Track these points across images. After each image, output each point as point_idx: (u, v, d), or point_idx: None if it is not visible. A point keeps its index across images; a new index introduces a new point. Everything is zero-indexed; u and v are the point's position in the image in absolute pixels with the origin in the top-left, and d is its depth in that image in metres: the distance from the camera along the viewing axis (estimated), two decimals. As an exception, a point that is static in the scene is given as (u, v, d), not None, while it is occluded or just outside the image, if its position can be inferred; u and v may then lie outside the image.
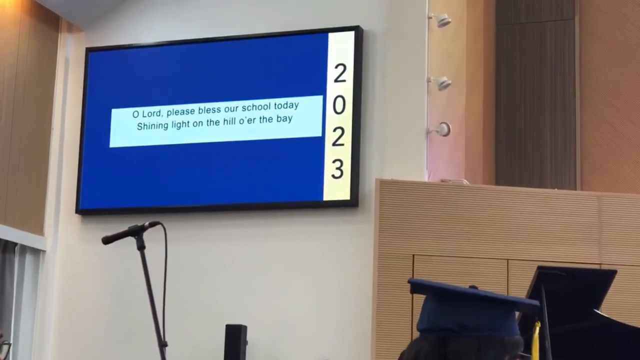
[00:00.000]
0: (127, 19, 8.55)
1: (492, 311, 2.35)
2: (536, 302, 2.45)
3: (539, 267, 4.99)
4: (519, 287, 6.62)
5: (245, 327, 7.50)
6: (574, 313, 5.23)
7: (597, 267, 7.16)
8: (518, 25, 10.08)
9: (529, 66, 9.95)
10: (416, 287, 2.50)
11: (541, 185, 9.19)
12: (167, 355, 3.83)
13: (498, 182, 9.56)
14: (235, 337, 7.42)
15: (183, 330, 7.69)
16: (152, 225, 4.13)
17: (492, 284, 7.06)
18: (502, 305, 2.37)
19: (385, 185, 7.35)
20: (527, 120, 9.86)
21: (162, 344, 3.87)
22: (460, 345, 2.32)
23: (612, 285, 5.29)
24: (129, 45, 8.46)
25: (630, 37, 9.96)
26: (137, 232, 4.11)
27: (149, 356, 6.59)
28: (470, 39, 9.11)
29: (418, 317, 2.54)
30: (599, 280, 5.29)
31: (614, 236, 7.41)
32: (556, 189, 7.93)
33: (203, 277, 7.91)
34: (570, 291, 5.13)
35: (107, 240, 4.34)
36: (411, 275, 7.03)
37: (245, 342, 7.48)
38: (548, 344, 4.84)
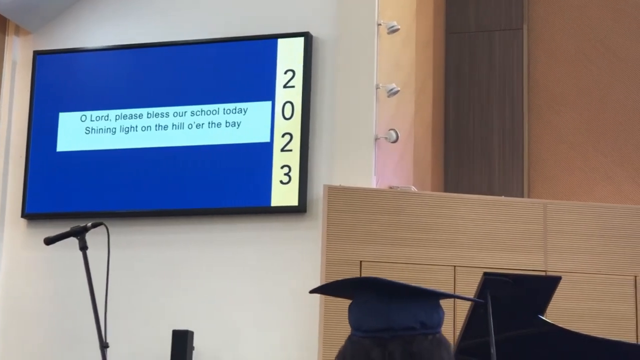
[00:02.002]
0: (75, 23, 8.49)
1: (440, 309, 2.30)
2: (481, 300, 2.39)
3: (485, 274, 5.01)
4: (466, 294, 6.63)
5: (192, 333, 7.46)
6: (518, 319, 5.25)
7: (542, 273, 7.22)
8: (467, 33, 10.13)
9: (478, 74, 10.01)
10: (378, 284, 2.29)
11: (489, 192, 9.24)
12: (109, 359, 3.80)
13: (446, 189, 9.60)
14: (181, 342, 7.38)
15: (129, 335, 7.64)
16: (94, 225, 4.11)
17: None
18: (436, 301, 2.32)
19: (333, 192, 7.35)
20: (475, 127, 9.91)
21: (103, 345, 3.85)
22: (421, 344, 2.24)
23: (556, 291, 5.32)
24: (77, 48, 8.39)
25: (577, 47, 10.05)
26: (79, 233, 4.09)
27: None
28: (420, 47, 9.15)
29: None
30: (543, 287, 5.32)
31: (559, 243, 7.48)
32: (503, 196, 7.99)
33: (151, 282, 7.87)
34: (516, 297, 5.16)
35: (49, 241, 4.31)
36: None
37: (192, 348, 7.45)
38: (493, 350, 4.87)
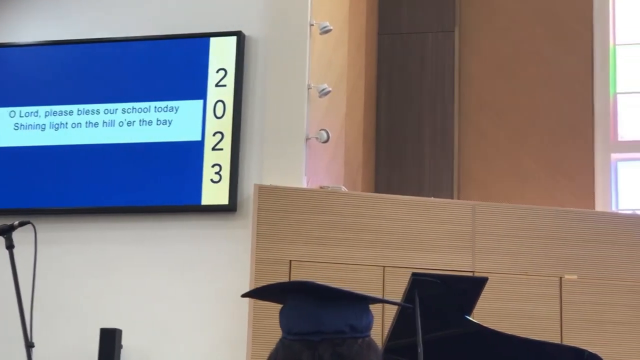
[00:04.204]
0: (4, 18, 8.39)
1: (370, 313, 2.32)
2: (411, 305, 2.41)
3: (413, 274, 5.05)
4: (394, 294, 6.70)
5: (120, 331, 7.42)
6: (446, 319, 5.31)
7: (470, 274, 7.29)
8: (400, 35, 10.20)
9: (410, 76, 10.07)
10: (309, 288, 2.29)
11: (419, 193, 9.31)
12: (35, 358, 3.77)
13: (377, 189, 9.65)
14: (109, 341, 7.34)
15: (55, 333, 7.57)
16: (21, 224, 4.08)
17: (368, 290, 7.12)
18: (365, 305, 2.34)
19: (263, 191, 7.36)
20: (407, 129, 9.98)
21: (29, 345, 3.82)
22: (350, 348, 2.26)
23: (483, 292, 5.38)
24: (6, 43, 8.30)
25: (507, 51, 10.17)
26: (6, 232, 4.05)
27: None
28: (352, 47, 9.19)
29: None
30: (470, 288, 5.38)
31: (487, 244, 7.57)
32: (432, 198, 8.05)
33: (79, 280, 7.81)
34: (443, 298, 5.21)
35: (-26, 240, 4.27)
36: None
37: (120, 346, 7.40)
38: (421, 349, 4.91)
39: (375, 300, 2.33)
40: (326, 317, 2.24)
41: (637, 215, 8.39)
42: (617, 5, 10.21)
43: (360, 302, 2.29)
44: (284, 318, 2.30)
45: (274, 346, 2.30)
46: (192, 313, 7.58)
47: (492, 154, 10.01)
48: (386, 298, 2.51)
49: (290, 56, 7.79)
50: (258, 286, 2.46)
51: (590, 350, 5.49)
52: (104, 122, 7.96)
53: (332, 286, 2.26)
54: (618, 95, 10.04)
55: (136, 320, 7.59)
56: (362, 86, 9.59)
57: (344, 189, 7.88)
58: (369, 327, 2.28)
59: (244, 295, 2.44)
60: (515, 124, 10.02)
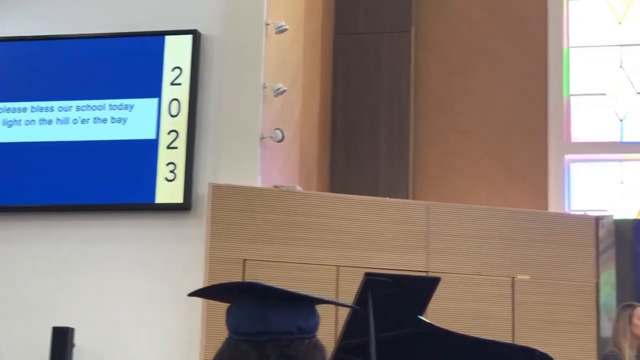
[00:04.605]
0: (-42, 13, 8.32)
1: (316, 314, 2.34)
2: (358, 307, 2.42)
3: (366, 274, 5.06)
4: (349, 293, 6.71)
5: (72, 330, 7.37)
6: (399, 319, 5.32)
7: (424, 274, 7.33)
8: (356, 35, 10.21)
9: (366, 76, 10.09)
10: (256, 288, 2.29)
11: (375, 193, 9.34)
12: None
13: (332, 189, 9.66)
14: (62, 339, 7.29)
15: (7, 332, 7.52)
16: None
17: (322, 289, 7.15)
18: (313, 306, 2.36)
19: (218, 190, 7.35)
20: (363, 129, 10.00)
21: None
22: (297, 348, 2.27)
23: (436, 292, 5.40)
24: (-42, 40, 8.23)
25: (463, 52, 10.23)
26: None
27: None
28: (308, 47, 9.19)
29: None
30: (423, 288, 5.39)
31: (441, 244, 7.61)
32: (387, 198, 8.07)
33: (31, 278, 7.75)
34: (396, 298, 5.22)
35: None
36: (241, 280, 7.04)
37: (73, 345, 7.36)
38: (373, 349, 4.92)
39: (322, 301, 2.35)
40: (273, 317, 2.24)
41: (588, 216, 8.46)
42: (571, 8, 10.30)
43: (307, 303, 2.30)
44: (232, 318, 2.30)
45: (220, 346, 2.30)
46: (146, 312, 7.55)
47: (447, 154, 10.06)
48: (333, 299, 2.51)
49: (246, 55, 7.78)
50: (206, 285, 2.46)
51: (541, 350, 5.53)
52: (57, 119, 7.90)
53: (280, 287, 2.27)
54: (572, 97, 10.13)
55: (89, 319, 7.55)
56: (317, 86, 9.60)
57: (298, 188, 7.89)
58: (315, 327, 2.30)
59: (190, 295, 2.43)
60: (470, 124, 10.08)
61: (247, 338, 2.25)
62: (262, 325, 2.24)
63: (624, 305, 7.16)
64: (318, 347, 2.29)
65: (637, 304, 7.13)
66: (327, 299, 2.38)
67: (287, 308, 2.26)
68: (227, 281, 2.42)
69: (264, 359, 2.22)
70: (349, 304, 2.58)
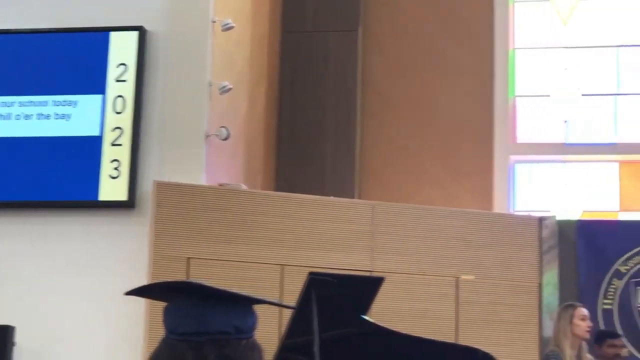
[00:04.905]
0: None
1: (254, 314, 2.34)
2: (294, 306, 2.42)
3: (310, 273, 5.06)
4: (293, 292, 6.69)
5: (13, 328, 7.29)
6: (343, 319, 5.33)
7: (368, 274, 7.34)
8: (303, 33, 10.20)
9: (313, 75, 10.08)
10: (194, 288, 2.29)
11: (321, 192, 9.34)
12: None
13: (278, 188, 9.64)
14: (2, 338, 7.21)
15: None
16: None
17: (266, 288, 7.14)
18: (250, 306, 2.36)
19: (162, 187, 7.31)
20: (309, 128, 9.99)
21: None
22: (235, 348, 2.27)
23: (381, 291, 5.41)
24: None
25: (410, 52, 10.26)
26: None
27: None
28: (255, 45, 9.17)
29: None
30: (367, 287, 5.40)
31: (385, 244, 7.62)
32: (332, 197, 8.07)
33: (-29, 276, 7.66)
34: (340, 297, 5.22)
35: None
36: (185, 279, 7.00)
37: (13, 344, 7.28)
38: (317, 348, 4.92)
39: (260, 301, 2.34)
40: (211, 317, 2.23)
41: (532, 217, 8.53)
42: (517, 10, 10.37)
43: (245, 303, 2.30)
44: (169, 317, 2.28)
45: (157, 345, 2.29)
46: (88, 310, 7.49)
47: (393, 153, 10.09)
48: (270, 299, 2.50)
49: (192, 53, 7.75)
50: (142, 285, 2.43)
51: (484, 349, 5.56)
52: (0, 115, 7.81)
53: (217, 287, 2.26)
54: (517, 98, 10.21)
55: (30, 317, 7.47)
56: (264, 84, 9.58)
57: (243, 186, 7.87)
58: (253, 327, 2.30)
59: (127, 294, 2.41)
60: (417, 124, 10.12)
61: (184, 338, 2.24)
62: (199, 325, 2.23)
63: (566, 305, 7.23)
64: (256, 348, 2.29)
65: (578, 304, 7.21)
66: (264, 299, 2.38)
67: (224, 308, 2.25)
68: (164, 280, 2.41)
69: (201, 359, 2.21)
70: (286, 304, 2.59)
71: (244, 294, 2.30)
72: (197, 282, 2.28)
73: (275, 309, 6.68)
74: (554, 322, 7.11)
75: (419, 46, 10.27)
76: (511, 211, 9.74)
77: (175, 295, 2.30)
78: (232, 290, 2.28)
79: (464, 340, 7.20)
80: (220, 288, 2.26)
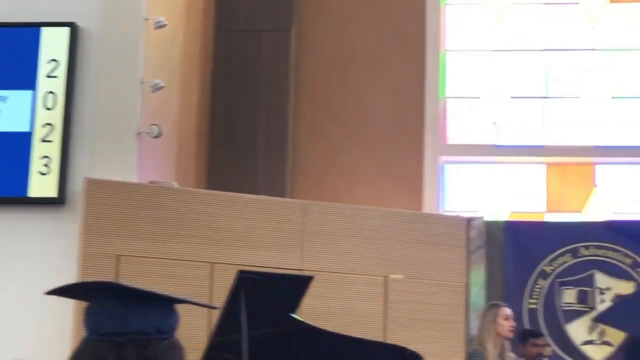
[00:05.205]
0: None
1: (175, 313, 2.35)
2: (217, 306, 2.44)
3: (239, 271, 5.10)
4: (224, 290, 6.71)
5: (-61, 326, 7.23)
6: (272, 317, 5.36)
7: (298, 272, 7.38)
8: (237, 32, 10.20)
9: (246, 73, 10.09)
10: (115, 288, 2.31)
11: (253, 191, 9.34)
12: None
13: (210, 186, 9.63)
14: None
15: None
16: None
17: (196, 286, 7.15)
18: (171, 306, 2.37)
19: (93, 184, 7.27)
20: (242, 127, 9.99)
21: None
22: (155, 349, 2.27)
23: (310, 290, 5.46)
24: None
25: (343, 52, 10.31)
26: None
27: None
28: (188, 43, 9.16)
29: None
30: (296, 286, 5.45)
31: (316, 243, 7.67)
32: (263, 196, 8.10)
33: None
34: (269, 295, 5.26)
35: None
36: (114, 277, 7.00)
37: (-61, 341, 7.21)
38: (245, 346, 4.96)
39: (181, 301, 2.36)
40: (132, 318, 2.24)
41: (460, 217, 8.64)
42: (449, 12, 10.48)
43: (166, 303, 2.31)
44: (90, 317, 2.29)
45: (78, 345, 2.29)
46: (16, 307, 7.43)
47: (326, 153, 10.13)
48: (193, 299, 2.51)
49: (124, 50, 7.72)
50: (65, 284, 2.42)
51: (411, 348, 5.64)
52: None
53: (138, 287, 2.28)
54: (448, 100, 10.31)
55: (-43, 314, 7.40)
56: (197, 83, 9.58)
57: (175, 184, 7.86)
58: (174, 328, 2.31)
59: (48, 293, 2.41)
60: (349, 124, 10.18)
61: (105, 338, 2.25)
62: (120, 326, 2.24)
63: (490, 304, 7.35)
64: (177, 347, 2.30)
65: (502, 303, 7.32)
66: (186, 298, 2.39)
67: (145, 308, 2.26)
68: (86, 279, 2.42)
69: (125, 358, 2.22)
70: (209, 304, 2.60)
71: (165, 293, 2.31)
72: (118, 282, 2.29)
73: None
74: (479, 321, 7.22)
75: (352, 46, 10.33)
76: (441, 211, 9.83)
77: (96, 295, 2.30)
78: (153, 290, 2.29)
79: (392, 339, 7.27)
80: (141, 288, 2.28)
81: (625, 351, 8.33)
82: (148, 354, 2.24)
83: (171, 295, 2.33)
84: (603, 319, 8.39)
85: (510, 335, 7.03)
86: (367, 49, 10.30)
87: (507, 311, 7.04)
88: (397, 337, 7.26)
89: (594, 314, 8.56)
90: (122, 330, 2.24)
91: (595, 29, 10.35)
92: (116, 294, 2.27)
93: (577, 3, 10.40)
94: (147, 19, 7.78)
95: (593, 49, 10.31)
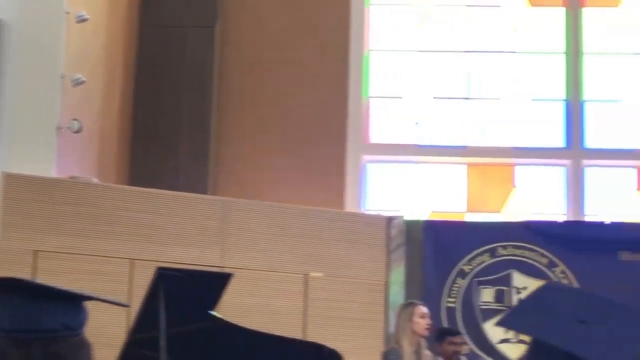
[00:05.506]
0: None
1: (84, 310, 2.32)
2: (128, 304, 2.40)
3: (158, 268, 5.07)
4: (143, 287, 6.68)
5: None
6: (191, 314, 5.35)
7: (218, 269, 7.36)
8: (161, 28, 10.13)
9: (170, 69, 10.02)
10: (21, 285, 2.24)
11: (175, 188, 9.29)
12: None
13: (132, 182, 9.55)
14: None
15: None
16: None
17: (115, 282, 7.11)
18: (80, 303, 2.34)
19: (11, 179, 7.18)
20: (165, 123, 9.93)
21: None
22: (62, 346, 2.24)
23: (231, 287, 5.45)
24: None
25: (266, 50, 10.31)
26: None
27: None
28: (111, 38, 9.09)
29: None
30: (215, 283, 5.44)
31: (236, 240, 7.67)
32: (184, 192, 8.06)
33: None
34: (188, 292, 5.24)
35: None
36: (31, 272, 6.92)
37: None
38: (164, 343, 4.93)
39: (89, 298, 2.34)
40: (39, 315, 2.21)
41: (380, 216, 8.70)
42: (373, 13, 10.53)
43: (74, 300, 2.28)
44: None
45: None
46: None
47: (248, 150, 10.12)
48: (102, 296, 2.48)
49: (44, 44, 7.63)
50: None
51: (330, 346, 5.66)
52: None
53: (45, 284, 2.24)
54: (371, 99, 10.36)
55: None
56: (120, 78, 9.50)
57: (95, 180, 7.80)
58: (82, 325, 2.29)
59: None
60: (272, 122, 10.18)
61: (11, 335, 2.21)
62: (27, 323, 2.21)
63: (406, 303, 7.41)
64: (85, 345, 2.28)
65: (418, 302, 7.38)
66: (94, 295, 2.37)
67: (52, 305, 2.23)
68: (17, 272, 2.40)
69: (28, 357, 2.19)
70: (120, 302, 2.58)
71: (72, 290, 2.29)
72: (24, 278, 2.26)
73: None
74: (395, 320, 7.26)
75: (276, 44, 10.33)
76: (362, 210, 9.88)
77: (1, 291, 2.25)
78: (60, 287, 2.26)
79: (311, 337, 7.29)
80: (48, 284, 2.24)
81: (527, 355, 8.44)
82: (55, 351, 2.21)
83: (79, 292, 2.30)
84: (504, 323, 8.48)
85: (426, 333, 7.08)
86: (290, 47, 10.31)
87: (423, 309, 7.09)
88: (316, 335, 7.28)
89: (509, 313, 8.65)
90: (29, 327, 2.20)
91: (516, 32, 10.48)
92: (22, 290, 2.23)
93: (499, 6, 10.53)
94: (68, 13, 7.71)
95: (514, 52, 10.44)
